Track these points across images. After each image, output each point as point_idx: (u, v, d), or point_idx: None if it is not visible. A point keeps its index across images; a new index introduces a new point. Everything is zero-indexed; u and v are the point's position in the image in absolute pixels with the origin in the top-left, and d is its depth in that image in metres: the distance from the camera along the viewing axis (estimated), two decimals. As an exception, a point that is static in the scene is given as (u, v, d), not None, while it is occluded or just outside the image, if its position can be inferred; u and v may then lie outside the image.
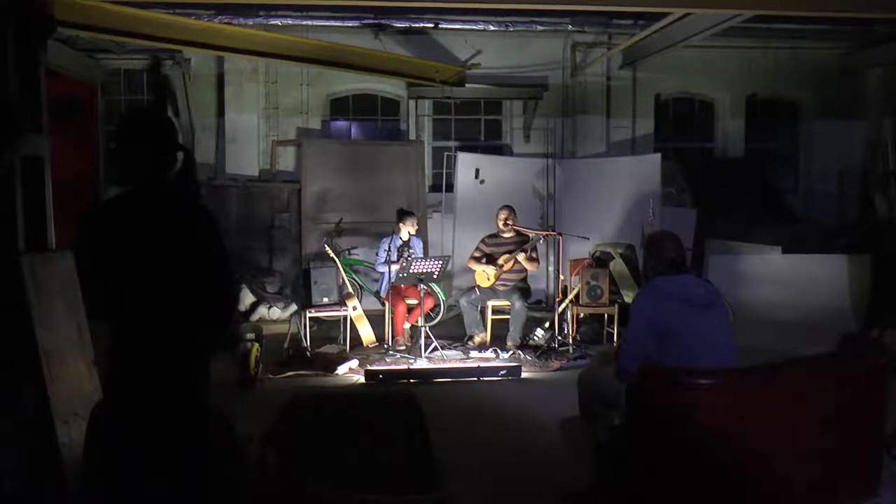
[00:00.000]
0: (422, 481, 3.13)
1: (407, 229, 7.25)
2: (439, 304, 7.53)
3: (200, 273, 2.54)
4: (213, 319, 2.60)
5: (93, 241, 2.46)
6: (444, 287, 7.96)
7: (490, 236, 7.30)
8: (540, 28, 9.77)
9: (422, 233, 8.65)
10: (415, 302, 6.93)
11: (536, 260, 7.17)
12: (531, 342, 7.04)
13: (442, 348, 6.73)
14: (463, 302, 7.18)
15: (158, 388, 2.46)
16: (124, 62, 9.78)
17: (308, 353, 6.60)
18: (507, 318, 7.04)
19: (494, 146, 10.58)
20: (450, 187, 9.50)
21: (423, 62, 9.15)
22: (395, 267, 6.99)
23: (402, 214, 7.34)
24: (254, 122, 9.79)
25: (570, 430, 4.52)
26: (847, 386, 3.14)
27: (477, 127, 10.67)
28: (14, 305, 3.48)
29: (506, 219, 7.11)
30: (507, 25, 9.61)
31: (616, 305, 7.17)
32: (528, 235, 7.16)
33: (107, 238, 2.45)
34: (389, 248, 7.23)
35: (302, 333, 6.81)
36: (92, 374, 4.08)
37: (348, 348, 6.93)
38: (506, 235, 7.18)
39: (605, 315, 7.31)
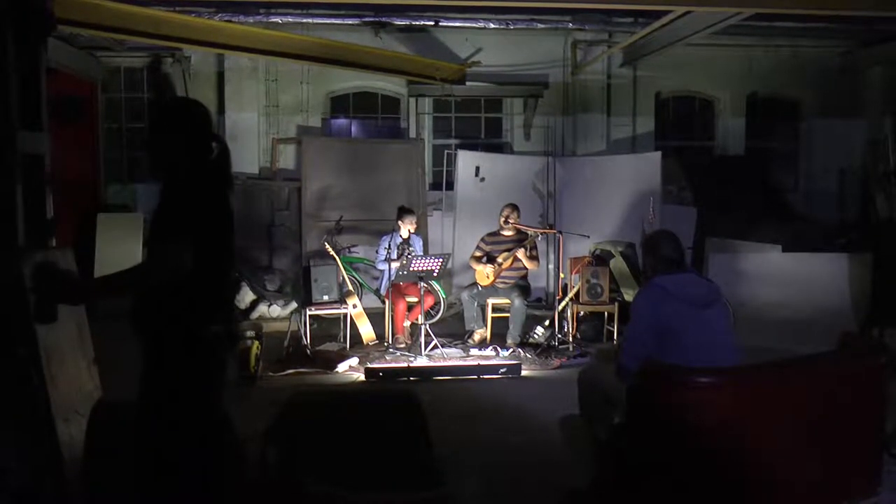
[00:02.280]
0: (422, 479, 3.13)
1: (407, 227, 7.25)
2: (439, 302, 7.53)
3: (224, 265, 2.59)
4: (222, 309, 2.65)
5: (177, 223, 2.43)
6: (444, 285, 7.96)
7: (490, 234, 7.30)
8: (540, 26, 9.75)
9: (422, 231, 8.65)
10: (415, 300, 6.93)
11: (536, 259, 7.17)
12: (531, 340, 7.04)
13: (442, 346, 6.73)
14: (464, 295, 7.18)
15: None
16: (124, 60, 9.77)
17: (308, 351, 6.60)
18: (507, 316, 7.05)
19: (495, 144, 10.58)
20: (450, 185, 9.50)
21: (424, 60, 9.15)
22: (395, 265, 7.00)
23: (402, 212, 7.34)
24: (254, 120, 9.78)
25: (570, 429, 4.52)
26: (847, 385, 3.15)
27: (477, 125, 10.66)
28: (14, 303, 3.48)
29: (507, 217, 7.11)
30: (507, 23, 9.60)
31: (616, 304, 7.17)
32: (527, 233, 7.17)
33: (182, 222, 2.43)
34: (389, 245, 7.24)
35: (302, 331, 6.81)
36: (92, 372, 4.08)
37: (348, 346, 6.93)
38: (506, 234, 7.18)
39: (606, 313, 7.30)
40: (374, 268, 7.68)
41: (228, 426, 2.76)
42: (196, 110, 2.63)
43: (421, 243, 7.51)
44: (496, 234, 7.26)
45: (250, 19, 8.89)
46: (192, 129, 2.56)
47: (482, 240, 7.31)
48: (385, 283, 7.26)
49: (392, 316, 7.14)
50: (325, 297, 6.99)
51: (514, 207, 7.19)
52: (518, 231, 7.18)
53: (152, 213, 2.53)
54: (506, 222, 7.12)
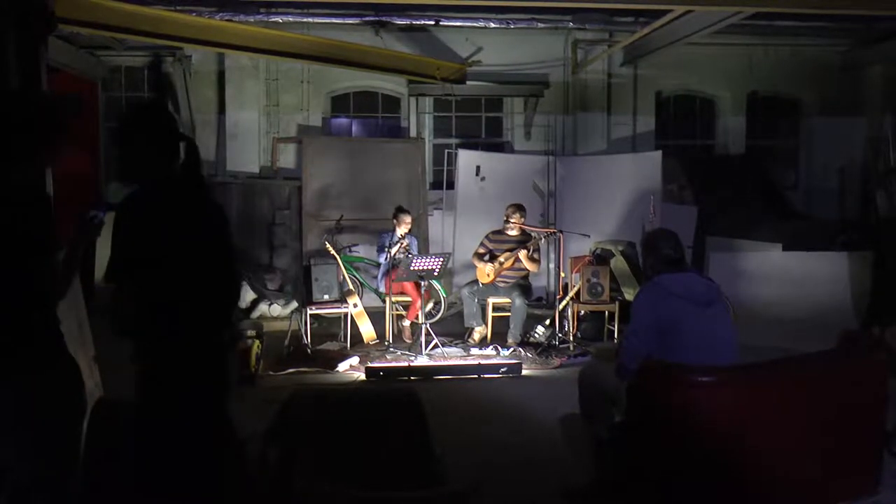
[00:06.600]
0: (422, 478, 3.13)
1: (403, 227, 7.25)
2: (440, 302, 7.53)
3: (214, 270, 2.56)
4: (218, 315, 2.61)
5: (132, 235, 2.44)
6: (445, 284, 7.95)
7: (494, 232, 7.30)
8: (541, 25, 9.75)
9: (422, 230, 8.64)
10: (409, 299, 6.93)
11: (538, 261, 7.17)
12: (532, 339, 7.04)
13: (442, 345, 6.73)
14: (464, 291, 7.19)
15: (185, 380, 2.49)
16: (125, 59, 9.77)
17: (308, 350, 6.61)
18: (508, 315, 7.05)
19: (495, 143, 10.58)
20: (450, 184, 9.50)
21: (424, 59, 9.15)
22: (392, 251, 6.99)
23: (399, 212, 7.36)
24: (254, 120, 9.78)
25: (570, 428, 4.53)
26: (847, 383, 3.15)
27: (478, 124, 10.66)
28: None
29: (507, 216, 7.11)
30: (508, 23, 9.60)
31: (617, 303, 7.17)
32: (531, 235, 7.17)
33: (144, 232, 2.43)
34: (388, 243, 7.25)
35: (302, 330, 6.82)
36: (93, 370, 4.08)
37: (349, 345, 6.94)
38: (510, 233, 7.18)
39: (606, 312, 7.31)
40: (375, 267, 7.68)
41: (230, 428, 2.75)
42: (158, 113, 2.64)
43: (416, 243, 7.48)
44: (501, 232, 7.25)
45: (251, 18, 8.89)
46: (156, 134, 2.56)
47: (486, 237, 7.31)
48: (380, 276, 7.27)
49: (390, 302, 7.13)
50: (326, 297, 7.00)
51: (519, 208, 7.18)
52: (522, 232, 7.18)
53: None
54: (507, 222, 7.12)
